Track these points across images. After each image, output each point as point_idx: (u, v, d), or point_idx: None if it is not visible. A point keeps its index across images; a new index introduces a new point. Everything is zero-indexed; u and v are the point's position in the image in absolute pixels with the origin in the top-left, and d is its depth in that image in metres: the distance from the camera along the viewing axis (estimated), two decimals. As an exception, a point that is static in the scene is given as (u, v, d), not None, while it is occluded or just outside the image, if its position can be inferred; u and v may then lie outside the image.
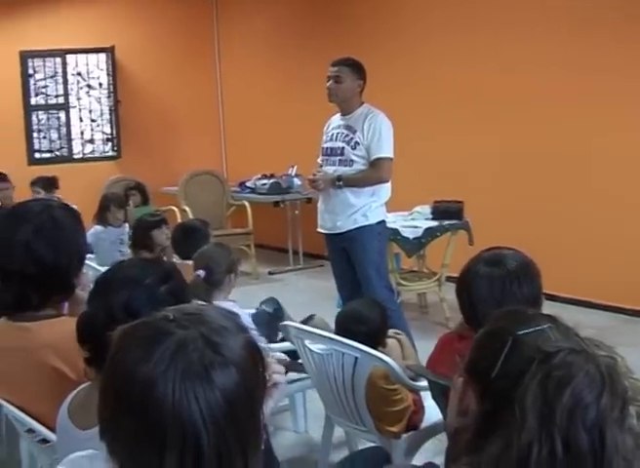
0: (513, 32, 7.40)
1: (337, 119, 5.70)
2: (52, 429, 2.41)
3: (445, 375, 2.56)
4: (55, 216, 2.64)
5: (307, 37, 9.87)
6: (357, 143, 5.44)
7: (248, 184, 10.00)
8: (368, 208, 5.46)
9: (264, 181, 9.63)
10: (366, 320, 3.53)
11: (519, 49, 7.36)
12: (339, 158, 5.54)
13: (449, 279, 7.11)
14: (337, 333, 3.47)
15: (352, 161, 5.46)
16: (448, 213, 6.94)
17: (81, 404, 2.10)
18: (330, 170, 5.56)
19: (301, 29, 9.97)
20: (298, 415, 4.60)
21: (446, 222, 6.88)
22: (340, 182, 5.46)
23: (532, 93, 7.28)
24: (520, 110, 7.42)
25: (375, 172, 5.41)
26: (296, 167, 9.43)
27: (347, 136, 5.51)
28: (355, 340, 3.32)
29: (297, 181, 9.39)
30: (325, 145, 5.72)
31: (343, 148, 5.51)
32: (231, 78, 11.31)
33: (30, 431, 2.65)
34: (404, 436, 3.38)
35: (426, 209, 7.09)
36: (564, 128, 7.10)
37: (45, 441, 2.58)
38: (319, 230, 5.86)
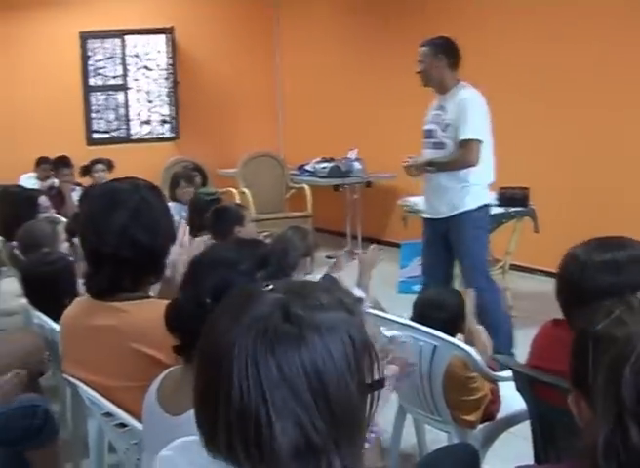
0: (595, 21, 7.18)
1: (436, 100, 5.42)
2: (131, 412, 2.39)
3: (541, 368, 2.47)
4: (146, 198, 2.62)
5: (368, 18, 9.73)
6: (447, 125, 5.19)
7: (307, 167, 9.91)
8: (465, 192, 5.18)
9: (324, 165, 9.53)
10: (444, 307, 3.45)
11: (593, 35, 7.15)
12: (432, 141, 5.30)
13: (513, 267, 6.97)
14: (414, 320, 3.38)
15: (443, 144, 5.23)
16: (513, 199, 6.77)
17: (172, 389, 2.04)
18: (427, 153, 5.34)
19: (363, 11, 9.82)
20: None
21: (512, 209, 6.71)
22: (431, 167, 5.25)
23: (600, 76, 7.08)
24: (586, 94, 7.23)
25: (461, 155, 5.12)
26: (356, 150, 9.33)
27: (439, 116, 5.26)
28: (432, 327, 3.23)
29: (357, 165, 9.29)
30: (424, 128, 5.45)
31: (436, 130, 5.27)
32: (290, 60, 11.23)
33: (108, 415, 2.60)
34: (480, 426, 3.32)
35: (492, 195, 6.92)
36: (633, 113, 6.88)
37: (123, 425, 2.53)
38: (422, 215, 5.64)
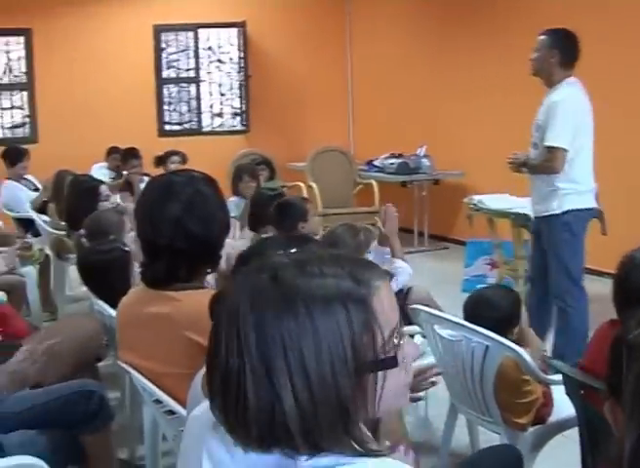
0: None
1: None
2: (180, 400, 2.43)
3: (592, 371, 2.44)
4: (201, 190, 2.65)
5: (440, 13, 9.67)
6: (539, 126, 4.99)
7: (376, 163, 9.91)
8: (553, 195, 4.97)
9: (392, 161, 9.52)
10: (496, 306, 3.40)
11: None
12: (532, 140, 5.12)
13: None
14: (466, 319, 3.36)
15: (536, 144, 5.04)
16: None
17: None
18: (529, 151, 5.13)
19: (435, 6, 9.76)
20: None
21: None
22: (524, 168, 5.12)
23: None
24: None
25: (544, 160, 4.94)
26: (425, 147, 9.30)
27: (540, 115, 5.05)
28: (484, 326, 3.20)
29: (425, 162, 9.25)
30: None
31: (533, 129, 5.09)
32: (362, 54, 11.23)
33: (158, 401, 2.66)
34: (531, 429, 3.27)
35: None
36: None
37: (172, 412, 2.58)
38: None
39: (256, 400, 1.20)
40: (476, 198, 6.84)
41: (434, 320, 3.44)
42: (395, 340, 1.29)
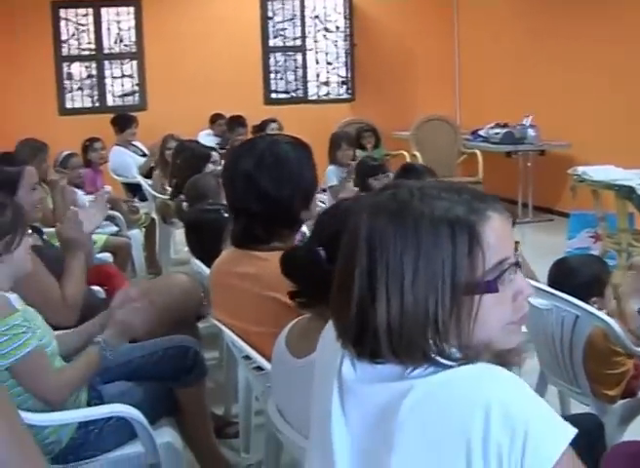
0: None
1: None
2: (268, 358, 2.47)
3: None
4: (278, 150, 2.66)
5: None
6: None
7: (480, 133, 9.81)
8: None
9: (497, 130, 9.40)
10: (576, 273, 3.35)
11: None
12: None
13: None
14: (548, 285, 3.32)
15: None
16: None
17: (299, 333, 2.13)
18: None
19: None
20: (512, 370, 4.47)
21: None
22: None
23: None
24: None
25: None
26: (531, 117, 9.14)
27: None
28: (563, 292, 3.16)
29: (531, 132, 9.10)
30: None
31: None
32: (469, 23, 11.09)
33: (247, 358, 2.74)
34: (620, 402, 3.22)
35: None
36: None
37: (260, 368, 2.65)
38: None
39: (356, 306, 1.33)
40: (580, 169, 6.70)
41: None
42: (503, 272, 1.34)
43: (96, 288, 3.96)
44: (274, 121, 8.54)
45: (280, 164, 2.64)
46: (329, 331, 1.49)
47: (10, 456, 1.43)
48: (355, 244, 1.34)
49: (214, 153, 5.74)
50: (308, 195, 2.73)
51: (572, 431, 1.28)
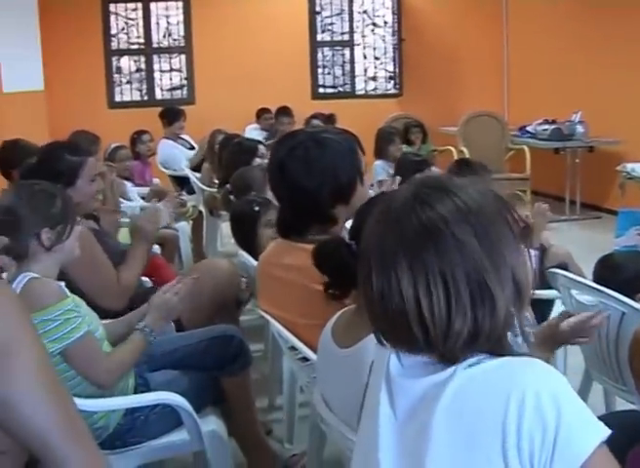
0: None
1: None
2: (313, 349, 2.50)
3: None
4: (317, 139, 2.65)
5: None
6: None
7: (528, 129, 9.73)
8: None
9: (545, 127, 9.31)
10: (621, 268, 3.31)
11: None
12: None
13: None
14: (593, 282, 3.30)
15: None
16: None
17: (345, 324, 2.15)
18: None
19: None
20: (557, 368, 4.44)
21: None
22: None
23: None
24: None
25: None
26: (580, 113, 9.03)
27: None
28: (607, 288, 3.13)
29: (580, 129, 8.99)
30: None
31: None
32: (518, 18, 10.99)
33: (293, 348, 2.76)
34: (667, 400, 3.19)
35: None
36: None
37: (305, 359, 2.67)
38: None
39: (410, 302, 1.35)
40: (629, 166, 6.65)
41: (571, 284, 3.40)
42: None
43: (143, 278, 4.01)
44: (316, 117, 8.53)
45: (312, 155, 2.60)
46: None
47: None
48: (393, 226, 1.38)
49: (260, 146, 5.78)
50: (345, 189, 2.65)
51: (606, 430, 1.29)
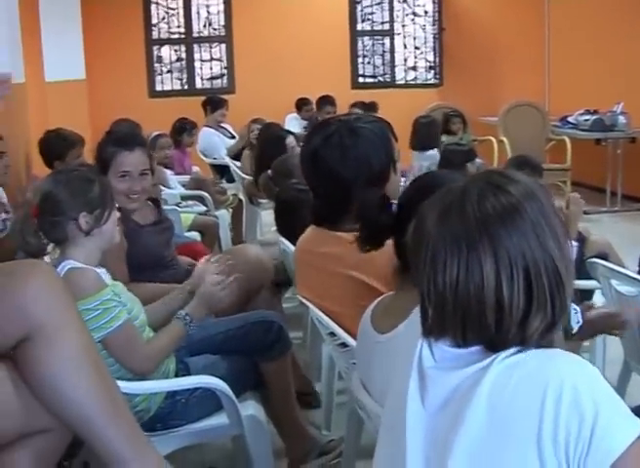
0: None
1: None
2: (351, 336, 2.51)
3: None
4: (351, 127, 2.63)
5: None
6: None
7: (569, 119, 9.64)
8: None
9: (587, 117, 9.22)
10: None
11: None
12: None
13: None
14: (638, 273, 3.28)
15: None
16: None
17: (384, 309, 2.16)
18: None
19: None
20: (596, 359, 4.42)
21: None
22: None
23: None
24: None
25: None
26: (622, 104, 8.94)
27: None
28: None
29: (621, 119, 8.89)
30: None
31: None
32: (560, 7, 10.87)
33: (332, 334, 2.77)
34: None
35: None
36: None
37: (344, 345, 2.67)
38: None
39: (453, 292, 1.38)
40: (670, 157, 6.56)
41: (611, 274, 3.38)
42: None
43: (183, 258, 3.96)
44: (355, 105, 8.53)
45: (346, 144, 2.58)
46: (418, 314, 1.52)
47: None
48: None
49: (289, 138, 5.79)
50: (378, 178, 2.62)
51: None
